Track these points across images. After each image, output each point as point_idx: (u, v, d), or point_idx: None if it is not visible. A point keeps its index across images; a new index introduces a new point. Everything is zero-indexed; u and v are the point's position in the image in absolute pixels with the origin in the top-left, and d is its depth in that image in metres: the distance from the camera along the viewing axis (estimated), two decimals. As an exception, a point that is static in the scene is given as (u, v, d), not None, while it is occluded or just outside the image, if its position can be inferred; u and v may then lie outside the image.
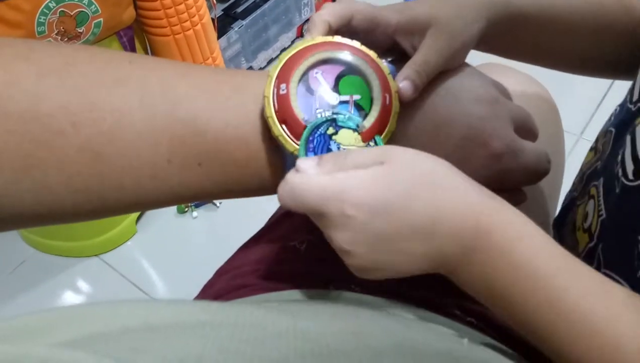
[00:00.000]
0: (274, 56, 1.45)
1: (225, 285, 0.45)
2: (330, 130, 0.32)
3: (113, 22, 0.95)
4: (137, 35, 1.12)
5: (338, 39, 0.34)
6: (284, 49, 1.46)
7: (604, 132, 0.40)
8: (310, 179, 0.29)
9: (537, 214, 0.49)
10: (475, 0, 0.36)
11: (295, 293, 0.40)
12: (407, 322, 0.36)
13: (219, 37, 1.26)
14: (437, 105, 0.34)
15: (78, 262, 1.18)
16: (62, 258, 1.18)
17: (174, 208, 1.26)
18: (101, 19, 0.92)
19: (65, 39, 0.89)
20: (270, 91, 0.32)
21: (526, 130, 0.37)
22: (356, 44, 0.34)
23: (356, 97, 0.33)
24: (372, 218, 0.28)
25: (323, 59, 0.33)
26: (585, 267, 0.29)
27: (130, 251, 1.20)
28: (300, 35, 1.48)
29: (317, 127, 0.32)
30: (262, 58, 1.41)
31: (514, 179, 0.35)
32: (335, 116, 0.32)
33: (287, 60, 0.33)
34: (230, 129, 0.32)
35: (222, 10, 1.36)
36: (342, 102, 0.33)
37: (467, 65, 0.37)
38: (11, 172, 0.28)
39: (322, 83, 0.32)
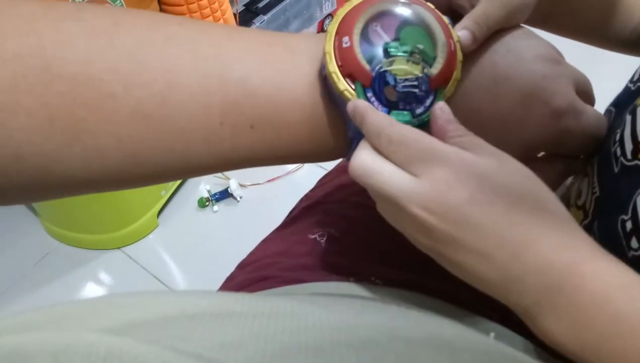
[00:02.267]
0: (295, 51, 1.45)
1: (247, 277, 0.45)
2: (386, 64, 0.31)
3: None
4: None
5: None
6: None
7: (605, 112, 0.39)
8: (389, 172, 0.28)
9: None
10: None
11: (317, 286, 0.40)
12: (432, 314, 0.36)
13: (240, 32, 1.26)
14: (497, 62, 0.33)
15: (100, 254, 1.20)
16: (84, 250, 1.20)
17: (194, 202, 1.27)
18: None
19: (90, 34, 0.90)
20: (331, 46, 0.31)
21: (585, 94, 0.36)
22: None
23: (419, 46, 0.31)
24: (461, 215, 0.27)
25: (381, 10, 0.32)
26: None
27: (152, 244, 1.21)
28: (321, 30, 1.48)
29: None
30: (283, 53, 1.41)
31: (571, 143, 0.34)
32: (386, 47, 0.31)
33: (345, 16, 0.32)
34: (285, 91, 0.31)
35: (244, 5, 1.36)
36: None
37: (524, 27, 0.36)
38: (62, 136, 0.27)
39: (383, 36, 0.31)
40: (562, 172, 0.36)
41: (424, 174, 0.28)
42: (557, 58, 0.34)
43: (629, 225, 0.31)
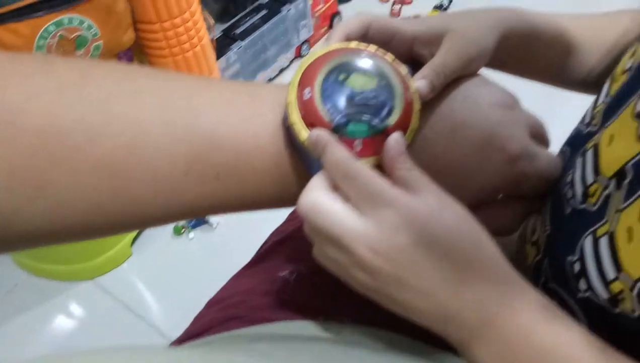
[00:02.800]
0: (272, 76, 1.45)
1: (214, 317, 0.44)
2: (342, 76, 0.32)
3: (113, 44, 0.95)
4: (137, 55, 1.13)
5: (354, 44, 0.34)
6: (282, 69, 1.46)
7: (560, 152, 0.40)
8: (338, 212, 0.29)
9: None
10: (490, 13, 0.37)
11: (283, 326, 0.39)
12: (399, 354, 0.35)
13: (218, 57, 1.26)
14: (455, 109, 0.35)
15: (71, 285, 1.17)
16: (55, 281, 1.17)
17: (170, 229, 1.25)
18: (101, 42, 0.92)
19: (63, 62, 0.89)
20: (294, 97, 0.32)
21: (540, 137, 0.37)
22: (372, 47, 0.34)
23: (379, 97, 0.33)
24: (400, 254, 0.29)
25: (343, 63, 0.33)
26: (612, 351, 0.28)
27: (126, 274, 1.19)
28: (299, 55, 1.49)
29: (330, 74, 0.32)
30: (261, 78, 1.42)
31: (528, 185, 0.36)
32: (345, 61, 0.33)
33: (307, 67, 0.33)
34: (249, 139, 0.32)
35: (222, 31, 1.37)
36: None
37: (480, 74, 0.37)
38: (24, 190, 0.27)
39: (343, 87, 0.32)
40: (521, 212, 0.37)
41: (372, 214, 0.29)
42: (511, 104, 0.36)
43: (577, 266, 0.32)
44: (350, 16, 0.36)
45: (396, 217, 0.28)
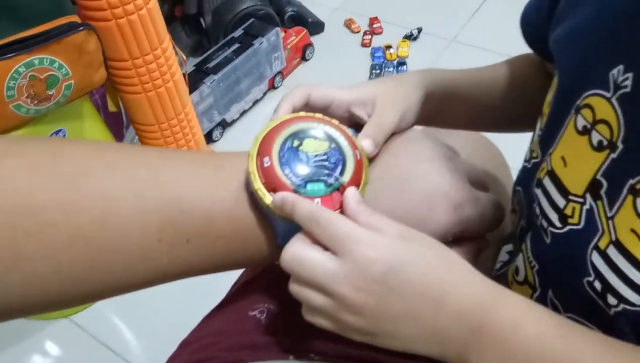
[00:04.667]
0: (246, 108, 1.47)
1: (188, 359, 0.45)
2: (296, 143, 0.36)
3: (84, 83, 0.96)
4: (110, 92, 1.14)
5: (302, 114, 0.39)
6: (256, 101, 1.48)
7: (514, 191, 0.44)
8: (317, 259, 0.32)
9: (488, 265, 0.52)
10: (414, 74, 0.43)
11: None
12: None
13: (191, 92, 1.28)
14: (400, 164, 0.38)
15: (46, 324, 1.15)
16: (30, 320, 1.15)
17: (147, 264, 1.24)
18: (72, 81, 0.93)
19: (35, 102, 0.90)
20: (254, 166, 0.35)
21: (480, 182, 0.40)
22: (319, 115, 0.39)
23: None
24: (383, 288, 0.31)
25: (295, 131, 0.37)
26: (583, 329, 0.31)
27: (102, 311, 1.17)
28: (272, 87, 1.51)
29: (284, 142, 0.36)
30: (234, 110, 1.43)
31: (474, 227, 0.38)
32: (296, 130, 0.37)
33: (263, 138, 0.36)
34: (217, 205, 0.34)
35: (194, 65, 1.39)
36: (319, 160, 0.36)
37: (418, 130, 0.41)
38: (0, 265, 0.28)
39: (299, 153, 0.36)
40: (472, 252, 0.39)
41: (348, 254, 0.31)
42: (450, 156, 0.39)
43: (597, 285, 0.33)
44: (292, 88, 0.41)
45: (369, 252, 0.31)
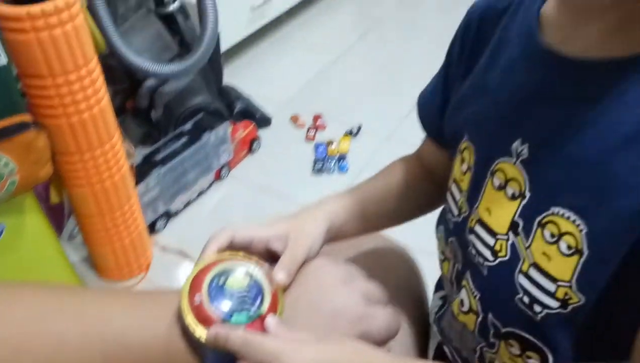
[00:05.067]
0: (192, 198, 1.50)
1: None
2: (222, 281, 0.43)
3: (29, 180, 0.97)
4: (53, 184, 1.14)
5: (227, 255, 0.47)
6: (201, 192, 1.52)
7: (446, 243, 0.55)
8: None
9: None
10: (317, 212, 0.55)
11: None
12: None
13: (138, 182, 1.30)
14: (308, 289, 0.46)
15: None
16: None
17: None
18: (17, 178, 0.94)
19: (-24, 196, 0.90)
20: (186, 303, 0.41)
21: (376, 299, 0.48)
22: (241, 254, 0.48)
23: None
24: None
25: (221, 271, 0.44)
26: None
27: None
28: (219, 178, 1.56)
29: (212, 281, 0.42)
30: (179, 201, 1.46)
31: (374, 337, 0.45)
32: (221, 269, 0.44)
33: (193, 279, 0.43)
34: (154, 339, 0.40)
35: (143, 156, 1.42)
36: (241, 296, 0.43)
37: (325, 258, 0.50)
38: None
39: (225, 290, 0.43)
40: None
41: None
42: (348, 278, 0.48)
43: (525, 299, 0.44)
44: (217, 231, 0.50)
45: (298, 359, 0.37)
